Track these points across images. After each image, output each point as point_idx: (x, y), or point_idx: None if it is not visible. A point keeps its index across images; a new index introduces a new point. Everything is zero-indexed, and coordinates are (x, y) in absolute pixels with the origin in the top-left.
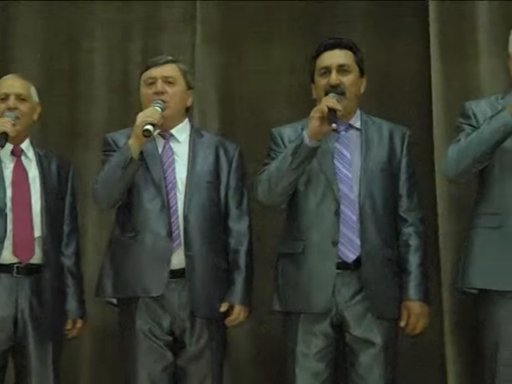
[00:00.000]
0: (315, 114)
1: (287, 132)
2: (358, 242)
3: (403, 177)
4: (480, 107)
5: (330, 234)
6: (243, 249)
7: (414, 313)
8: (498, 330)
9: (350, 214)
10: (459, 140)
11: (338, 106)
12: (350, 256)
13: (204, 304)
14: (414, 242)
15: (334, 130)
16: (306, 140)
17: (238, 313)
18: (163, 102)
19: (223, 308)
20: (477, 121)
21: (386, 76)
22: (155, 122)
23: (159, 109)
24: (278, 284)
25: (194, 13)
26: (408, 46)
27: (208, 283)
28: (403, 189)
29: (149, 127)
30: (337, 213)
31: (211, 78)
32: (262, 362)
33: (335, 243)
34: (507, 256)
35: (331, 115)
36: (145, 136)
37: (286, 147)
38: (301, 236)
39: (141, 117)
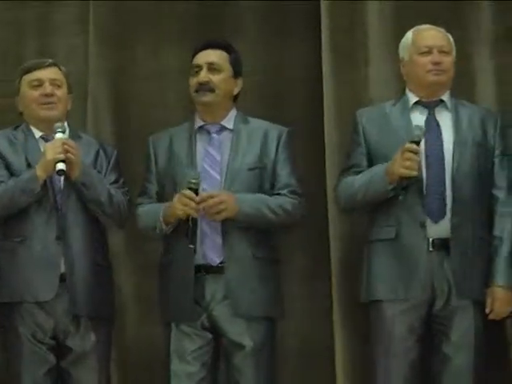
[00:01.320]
0: None
1: (162, 139)
2: (221, 244)
3: (279, 176)
4: (370, 118)
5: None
6: None
7: None
8: (389, 330)
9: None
10: (349, 169)
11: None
12: (215, 259)
13: (86, 303)
14: None
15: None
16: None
17: None
18: (53, 102)
19: None
20: (364, 136)
21: (278, 79)
22: (65, 158)
23: (63, 134)
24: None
25: (87, 14)
26: (300, 49)
27: (89, 282)
28: (278, 186)
29: (62, 167)
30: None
31: (104, 79)
32: (149, 364)
33: (195, 248)
34: (402, 266)
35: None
36: (59, 175)
37: (156, 156)
38: (171, 243)
39: (51, 150)
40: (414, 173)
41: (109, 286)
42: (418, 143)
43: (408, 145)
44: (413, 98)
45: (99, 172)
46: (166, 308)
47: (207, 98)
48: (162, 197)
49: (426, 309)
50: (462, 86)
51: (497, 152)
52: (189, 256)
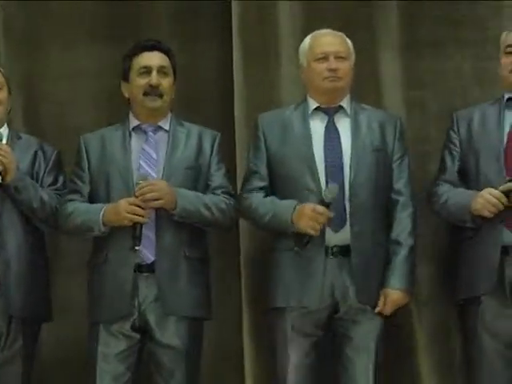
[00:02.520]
0: None
1: (94, 139)
2: (155, 241)
3: (214, 177)
4: (271, 123)
5: (128, 237)
6: None
7: None
8: (288, 335)
9: (151, 213)
10: (251, 176)
11: None
12: (149, 257)
13: (21, 303)
14: None
15: None
16: None
17: None
18: None
19: None
20: (265, 142)
21: (190, 79)
22: (1, 168)
23: None
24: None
25: None
26: (212, 49)
27: (25, 282)
28: (213, 186)
29: None
30: None
31: (16, 79)
32: (71, 367)
33: (133, 247)
34: (302, 274)
35: None
36: None
37: (88, 156)
38: (106, 242)
39: None
40: (315, 233)
41: (45, 287)
42: (328, 205)
43: (321, 208)
44: (313, 104)
45: (37, 173)
46: (98, 307)
47: (156, 103)
48: (94, 197)
49: (326, 314)
50: (370, 89)
51: (396, 156)
52: (128, 255)
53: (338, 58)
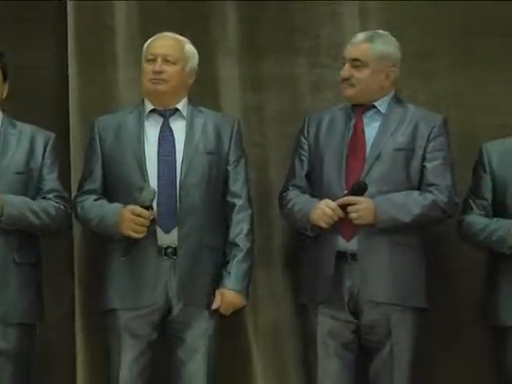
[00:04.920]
0: None
1: None
2: None
3: (46, 180)
4: (106, 126)
5: None
6: None
7: None
8: (120, 337)
9: None
10: (84, 181)
11: None
12: None
13: None
14: None
15: None
16: None
17: None
18: None
19: None
20: (100, 144)
21: (26, 79)
22: None
23: None
24: None
25: None
26: (48, 50)
27: None
28: (44, 190)
29: None
30: None
31: None
32: None
33: None
34: (135, 275)
35: None
36: None
37: None
38: None
39: None
40: (138, 236)
41: None
42: (147, 207)
43: (139, 209)
44: (149, 107)
45: None
46: None
47: None
48: None
49: (160, 315)
50: (208, 92)
51: (232, 159)
52: None
53: (166, 61)
